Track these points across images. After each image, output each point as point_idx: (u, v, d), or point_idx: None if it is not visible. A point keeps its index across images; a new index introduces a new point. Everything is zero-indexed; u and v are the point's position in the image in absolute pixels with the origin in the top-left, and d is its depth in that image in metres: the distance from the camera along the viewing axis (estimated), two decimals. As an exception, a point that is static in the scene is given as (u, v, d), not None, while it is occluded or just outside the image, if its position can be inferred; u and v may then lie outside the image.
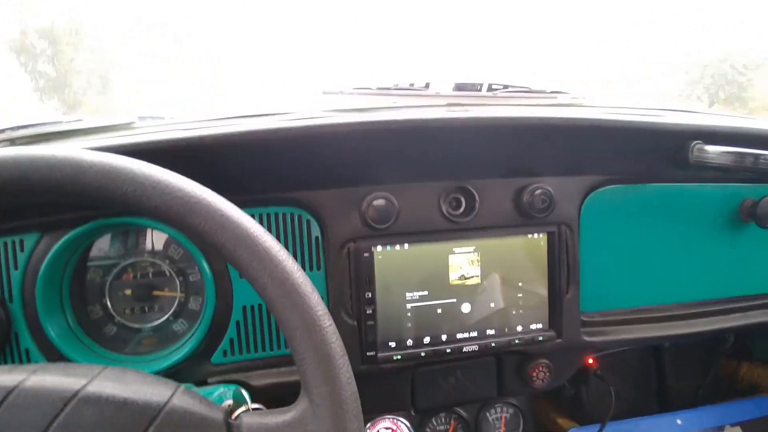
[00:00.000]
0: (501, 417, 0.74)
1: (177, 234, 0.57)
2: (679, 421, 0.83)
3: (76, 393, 0.31)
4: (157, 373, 0.55)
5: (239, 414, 0.35)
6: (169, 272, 0.60)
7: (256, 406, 0.54)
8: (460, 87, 0.71)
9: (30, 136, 0.58)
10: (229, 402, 0.54)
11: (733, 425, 0.86)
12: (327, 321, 0.34)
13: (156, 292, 0.60)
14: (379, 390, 0.65)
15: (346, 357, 0.35)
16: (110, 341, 0.59)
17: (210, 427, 0.34)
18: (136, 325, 0.60)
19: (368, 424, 0.70)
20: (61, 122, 0.57)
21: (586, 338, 0.66)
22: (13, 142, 0.59)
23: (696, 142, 0.63)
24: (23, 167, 0.32)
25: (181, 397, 0.34)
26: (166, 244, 0.59)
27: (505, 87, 0.71)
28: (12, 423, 0.29)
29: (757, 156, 0.60)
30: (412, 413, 0.70)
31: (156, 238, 0.59)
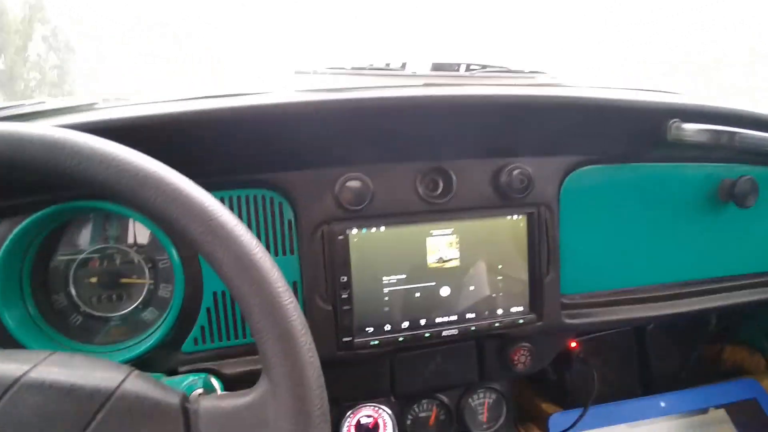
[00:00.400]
0: (484, 402, 0.73)
1: (144, 219, 0.55)
2: (662, 404, 0.83)
3: (17, 380, 0.29)
4: (126, 362, 0.53)
5: (197, 398, 0.34)
6: (138, 260, 0.58)
7: (227, 393, 0.53)
8: (437, 67, 0.69)
9: (-13, 119, 0.55)
10: (200, 391, 0.53)
11: (717, 407, 0.86)
12: (287, 297, 0.33)
13: (124, 280, 0.58)
14: (358, 376, 0.63)
15: (309, 335, 0.33)
16: (77, 331, 0.57)
17: (165, 411, 0.32)
18: (103, 314, 0.57)
19: (349, 412, 0.68)
20: (23, 105, 0.55)
21: (567, 320, 0.66)
22: (-31, 125, 0.56)
23: (674, 120, 0.63)
24: None
25: (133, 382, 0.32)
26: (134, 231, 0.57)
27: (483, 67, 0.70)
28: None
29: (732, 134, 0.60)
30: (393, 400, 0.69)
31: (123, 225, 0.57)
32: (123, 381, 0.32)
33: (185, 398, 0.33)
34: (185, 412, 0.32)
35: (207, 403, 0.33)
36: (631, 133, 0.64)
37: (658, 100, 0.63)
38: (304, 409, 0.31)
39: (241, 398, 0.33)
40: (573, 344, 0.74)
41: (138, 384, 0.32)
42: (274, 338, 0.32)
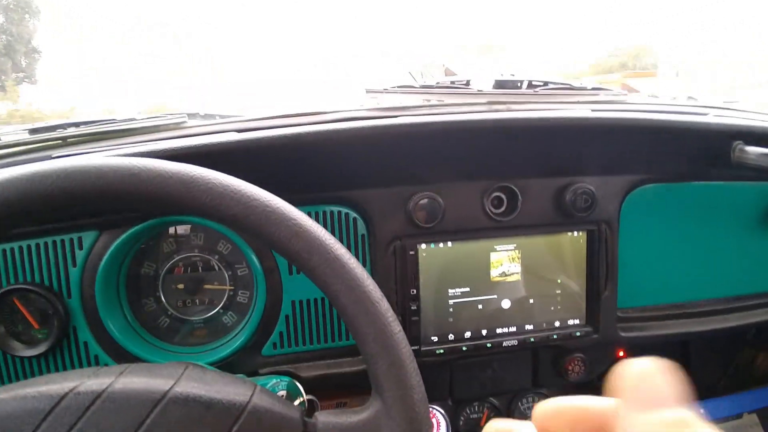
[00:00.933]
0: (533, 406, 0.76)
1: (226, 230, 0.58)
2: (701, 411, 0.86)
3: (165, 393, 0.33)
4: (212, 364, 0.57)
5: (314, 412, 0.37)
6: (218, 266, 0.61)
7: (310, 397, 0.57)
8: (500, 84, 0.71)
9: (83, 135, 0.59)
10: (283, 393, 0.57)
11: (750, 412, 0.89)
12: (397, 327, 0.36)
13: (207, 286, 0.61)
14: None
15: (415, 361, 0.36)
16: (164, 332, 0.61)
17: (288, 425, 0.35)
18: (187, 317, 0.62)
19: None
20: (114, 120, 0.58)
21: (623, 334, 0.68)
22: (65, 141, 0.60)
23: (737, 142, 0.63)
24: (107, 177, 0.33)
25: (260, 396, 0.36)
26: (216, 240, 0.61)
27: (545, 84, 0.71)
28: (101, 426, 0.30)
29: None
30: (449, 403, 0.73)
31: (207, 234, 0.61)
32: (252, 396, 0.35)
33: (304, 413, 0.37)
34: (305, 425, 0.36)
35: (324, 419, 0.36)
36: (695, 153, 0.65)
37: (721, 122, 0.64)
38: (415, 429, 0.35)
39: (356, 416, 0.36)
40: (621, 352, 0.76)
41: (264, 399, 0.36)
42: (387, 364, 0.35)
